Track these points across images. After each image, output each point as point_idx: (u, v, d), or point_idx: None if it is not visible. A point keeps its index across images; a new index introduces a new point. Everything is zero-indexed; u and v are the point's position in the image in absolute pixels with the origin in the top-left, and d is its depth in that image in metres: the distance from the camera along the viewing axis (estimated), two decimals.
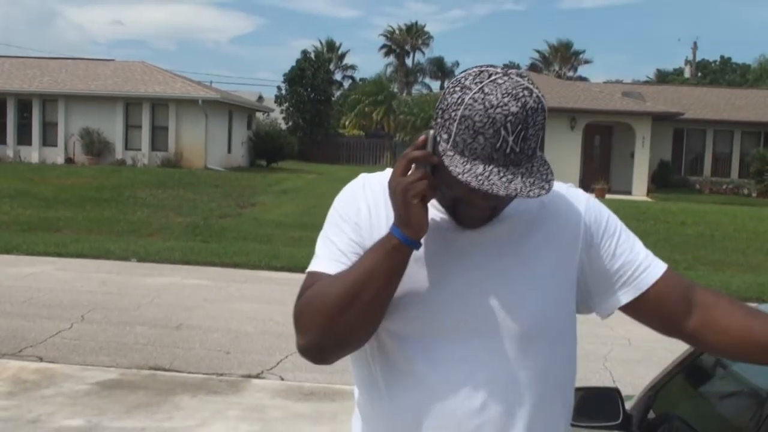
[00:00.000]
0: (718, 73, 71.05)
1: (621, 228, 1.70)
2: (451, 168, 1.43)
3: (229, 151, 33.73)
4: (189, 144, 30.23)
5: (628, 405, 2.70)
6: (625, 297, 1.65)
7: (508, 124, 1.41)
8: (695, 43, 58.43)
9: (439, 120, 1.48)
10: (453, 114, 1.44)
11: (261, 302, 10.24)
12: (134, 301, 9.91)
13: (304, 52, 48.96)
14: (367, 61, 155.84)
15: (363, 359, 1.65)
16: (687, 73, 61.10)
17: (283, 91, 49.04)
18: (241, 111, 35.67)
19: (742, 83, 58.30)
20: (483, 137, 1.41)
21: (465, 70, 1.50)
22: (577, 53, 66.29)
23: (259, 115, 41.14)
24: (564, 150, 28.58)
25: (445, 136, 1.45)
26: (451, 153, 1.45)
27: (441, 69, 70.32)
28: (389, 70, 67.82)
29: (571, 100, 29.84)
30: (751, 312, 1.62)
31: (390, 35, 68.02)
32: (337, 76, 63.89)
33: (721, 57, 75.53)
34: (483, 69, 1.48)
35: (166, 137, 30.56)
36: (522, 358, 1.59)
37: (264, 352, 7.83)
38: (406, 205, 1.47)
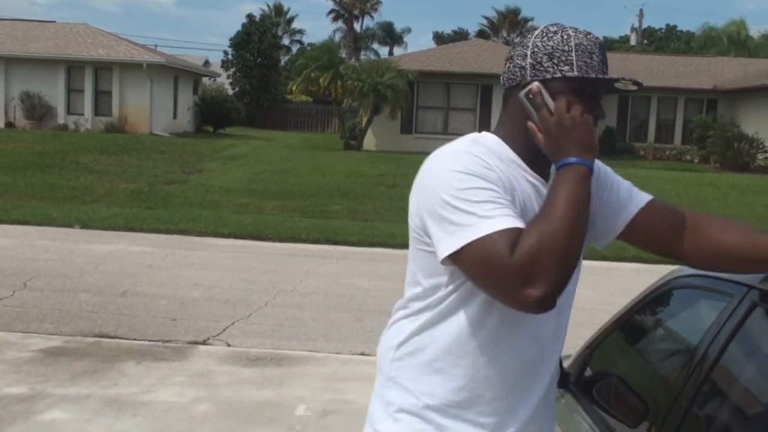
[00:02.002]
0: (663, 41, 71.90)
1: (608, 170, 2.02)
2: (599, 76, 1.77)
3: (175, 116, 33.29)
4: (133, 109, 29.75)
5: (567, 364, 2.76)
6: (618, 228, 1.97)
7: (601, 45, 1.84)
8: (641, 11, 58.93)
9: (547, 64, 1.78)
10: (566, 48, 1.78)
11: (208, 269, 10.19)
12: (78, 268, 9.78)
13: (250, 16, 48.42)
14: (316, 27, 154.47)
15: (477, 306, 1.79)
16: (633, 41, 61.64)
17: (230, 56, 48.49)
18: (186, 76, 35.17)
19: (686, 51, 59.05)
20: (595, 55, 1.80)
21: (532, 33, 1.86)
22: (525, 20, 66.42)
23: (205, 80, 40.65)
24: None
25: (566, 68, 1.77)
26: (580, 75, 1.77)
27: (390, 35, 70.03)
28: (338, 35, 67.37)
29: None
30: (731, 227, 1.89)
31: (339, 0, 67.39)
32: (285, 41, 63.26)
33: (667, 25, 76.48)
34: (546, 25, 1.86)
35: (110, 102, 30.02)
36: (567, 306, 1.95)
37: (210, 318, 7.81)
38: (590, 133, 1.74)
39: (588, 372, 2.60)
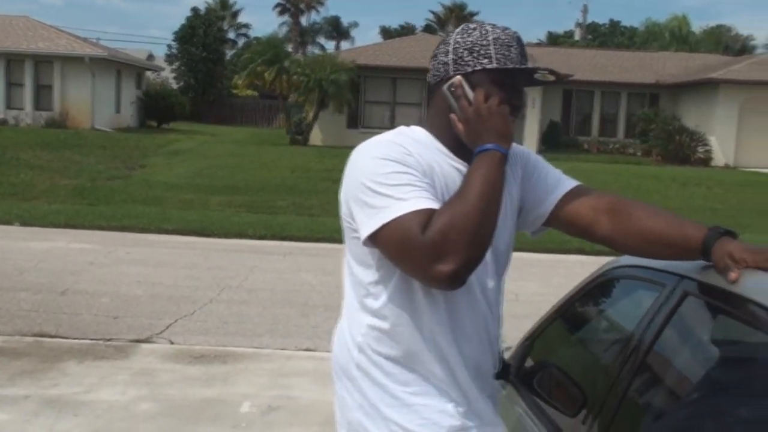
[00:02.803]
0: (607, 36, 72.71)
1: (539, 159, 2.12)
2: (516, 66, 1.88)
3: (118, 111, 32.81)
4: (75, 103, 29.24)
5: (509, 355, 2.77)
6: (544, 213, 2.05)
7: (519, 39, 1.92)
8: (585, 6, 59.91)
9: (468, 58, 1.89)
10: (484, 42, 1.89)
11: (150, 266, 10.05)
12: (17, 265, 9.57)
13: (195, 10, 47.92)
14: (262, 20, 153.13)
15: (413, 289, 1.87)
16: (577, 36, 62.32)
17: (174, 50, 47.93)
18: (130, 70, 34.68)
19: (629, 46, 59.89)
20: (513, 48, 1.89)
21: (453, 32, 1.97)
22: (471, 14, 66.75)
23: (149, 74, 40.14)
24: None
25: (485, 61, 1.87)
26: (499, 66, 1.87)
27: (337, 29, 69.86)
28: (284, 29, 66.98)
29: None
30: (655, 213, 1.96)
31: (282, 8, 66.91)
32: (231, 35, 62.74)
33: (611, 20, 77.26)
34: (467, 23, 2.01)
35: (51, 96, 29.48)
36: (500, 281, 2.03)
37: (153, 316, 7.70)
38: (505, 121, 1.84)
39: (528, 362, 2.61)
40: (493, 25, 1.94)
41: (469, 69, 1.89)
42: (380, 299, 1.90)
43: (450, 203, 1.75)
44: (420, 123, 2.01)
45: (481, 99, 1.85)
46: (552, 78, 1.93)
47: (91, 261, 10.13)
